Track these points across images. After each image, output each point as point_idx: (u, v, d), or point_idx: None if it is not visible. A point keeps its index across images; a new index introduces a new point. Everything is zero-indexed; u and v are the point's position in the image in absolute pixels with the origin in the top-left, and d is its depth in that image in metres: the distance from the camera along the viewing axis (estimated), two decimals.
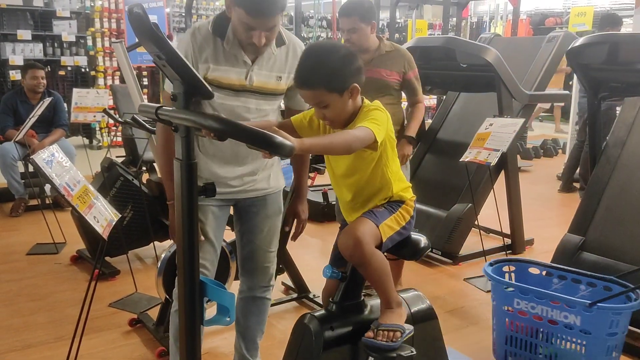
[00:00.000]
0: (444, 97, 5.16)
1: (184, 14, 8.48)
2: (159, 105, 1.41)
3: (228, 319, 1.46)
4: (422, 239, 1.77)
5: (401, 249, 1.78)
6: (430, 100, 9.55)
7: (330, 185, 4.47)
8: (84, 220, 3.63)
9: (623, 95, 3.62)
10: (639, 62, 3.13)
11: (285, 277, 3.38)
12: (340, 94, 1.61)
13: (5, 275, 3.67)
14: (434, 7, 12.41)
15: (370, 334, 1.67)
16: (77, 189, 1.90)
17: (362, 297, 1.81)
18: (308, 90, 1.63)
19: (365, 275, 1.70)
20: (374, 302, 1.80)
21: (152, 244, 3.77)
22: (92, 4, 8.28)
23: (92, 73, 8.25)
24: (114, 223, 1.96)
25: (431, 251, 4.03)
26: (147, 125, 2.44)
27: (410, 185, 1.82)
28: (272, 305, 3.13)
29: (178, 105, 1.37)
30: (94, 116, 5.22)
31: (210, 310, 1.46)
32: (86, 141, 8.15)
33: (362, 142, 1.53)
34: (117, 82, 8.13)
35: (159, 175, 2.13)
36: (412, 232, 1.80)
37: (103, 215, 1.94)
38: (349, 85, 1.62)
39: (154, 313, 3.01)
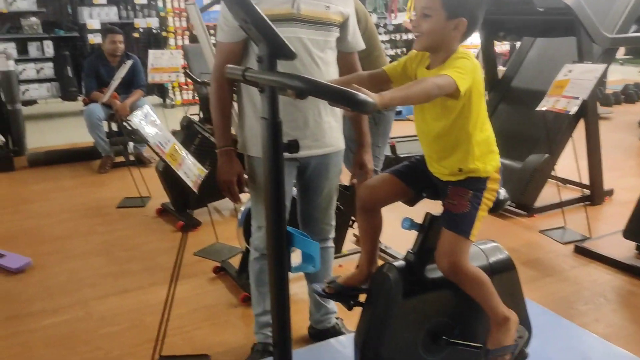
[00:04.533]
0: (518, 43, 4.97)
1: None
2: (245, 67, 1.48)
3: (313, 267, 1.56)
4: (502, 192, 1.77)
5: None
6: (502, 47, 9.18)
7: (398, 137, 4.51)
8: (167, 176, 3.89)
9: None
10: None
11: (356, 229, 3.47)
12: (448, 17, 1.58)
13: (100, 227, 3.98)
14: None
15: None
16: (169, 147, 2.04)
17: None
18: None
19: (466, 292, 1.71)
20: None
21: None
22: None
23: (164, 34, 8.48)
24: (201, 179, 2.09)
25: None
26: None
27: (497, 150, 1.73)
28: (345, 255, 3.27)
29: (263, 67, 1.43)
30: (169, 76, 5.42)
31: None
32: (160, 100, 8.50)
33: (441, 90, 1.49)
34: (186, 41, 8.33)
35: (234, 132, 2.21)
36: None
37: (192, 171, 2.07)
38: (460, 15, 1.58)
39: (235, 261, 3.21)
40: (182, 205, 3.96)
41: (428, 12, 1.59)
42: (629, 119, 7.14)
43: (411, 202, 1.87)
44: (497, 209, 1.75)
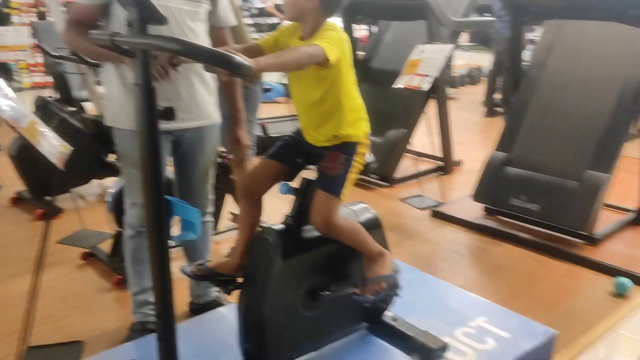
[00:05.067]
0: (373, 27, 5.26)
1: None
2: (113, 32, 1.43)
3: (194, 234, 1.57)
4: (369, 156, 1.90)
5: None
6: (361, 32, 9.58)
7: (268, 119, 4.58)
8: (23, 160, 3.58)
9: (542, 19, 3.85)
10: None
11: (233, 206, 3.49)
12: None
13: None
14: None
15: (357, 290, 1.82)
16: (26, 122, 1.90)
17: None
18: None
19: (343, 242, 1.84)
20: None
21: (96, 180, 3.76)
22: None
23: (5, 10, 7.68)
24: (66, 155, 1.98)
25: (368, 175, 4.25)
26: (89, 60, 2.40)
27: (367, 117, 1.86)
28: (222, 232, 3.28)
29: (134, 31, 1.40)
30: (16, 55, 4.96)
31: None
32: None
33: (312, 59, 1.58)
34: (34, 19, 7.62)
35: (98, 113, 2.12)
36: None
37: (55, 148, 1.95)
38: None
39: (105, 246, 3.07)
40: (41, 192, 3.68)
41: None
42: (473, 98, 7.89)
43: (291, 176, 1.95)
44: (365, 171, 1.89)
